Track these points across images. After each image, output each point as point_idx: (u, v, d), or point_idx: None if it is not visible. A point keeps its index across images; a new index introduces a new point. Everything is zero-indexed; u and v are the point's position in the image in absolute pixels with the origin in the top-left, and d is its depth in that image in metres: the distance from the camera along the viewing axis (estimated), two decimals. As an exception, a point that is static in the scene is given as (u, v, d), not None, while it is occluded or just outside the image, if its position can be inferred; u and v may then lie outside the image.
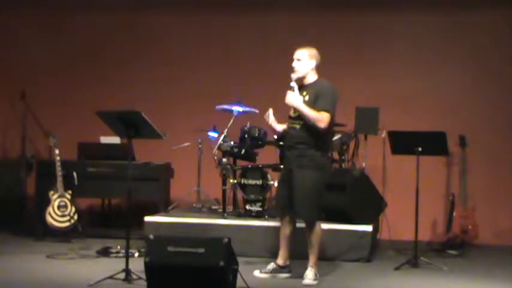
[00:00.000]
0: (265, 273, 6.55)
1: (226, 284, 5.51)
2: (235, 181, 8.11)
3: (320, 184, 6.29)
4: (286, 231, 6.53)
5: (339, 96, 6.35)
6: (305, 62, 6.24)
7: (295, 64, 6.27)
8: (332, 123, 6.32)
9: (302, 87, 6.32)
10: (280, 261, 6.57)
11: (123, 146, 7.79)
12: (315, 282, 6.34)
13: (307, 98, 6.22)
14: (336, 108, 6.28)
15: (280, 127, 6.60)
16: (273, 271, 6.53)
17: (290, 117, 6.36)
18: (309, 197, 6.24)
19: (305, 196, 6.23)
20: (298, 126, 6.25)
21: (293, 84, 6.25)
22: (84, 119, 8.96)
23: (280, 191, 6.49)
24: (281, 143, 8.10)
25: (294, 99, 6.17)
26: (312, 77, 6.31)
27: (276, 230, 7.59)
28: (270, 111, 6.49)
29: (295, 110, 6.25)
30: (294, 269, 6.64)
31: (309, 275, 6.35)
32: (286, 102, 6.24)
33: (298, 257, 7.31)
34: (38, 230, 8.36)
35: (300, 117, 6.22)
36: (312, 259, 6.42)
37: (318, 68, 6.39)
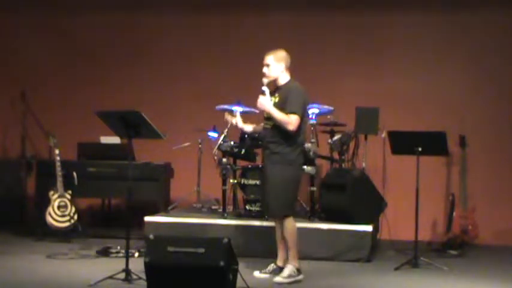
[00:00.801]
0: (264, 274, 6.55)
1: (226, 284, 5.51)
2: (235, 181, 8.11)
3: (290, 180, 6.35)
4: (279, 232, 6.54)
5: (307, 96, 6.47)
6: (273, 66, 6.42)
7: (264, 69, 6.44)
8: (302, 123, 6.38)
9: (276, 89, 6.49)
10: (279, 262, 6.58)
11: (123, 146, 7.80)
12: (287, 280, 6.34)
13: (277, 100, 6.38)
14: (304, 108, 6.41)
15: (248, 127, 6.88)
16: (273, 271, 6.54)
17: (264, 117, 6.52)
18: (278, 193, 6.31)
19: (274, 192, 6.32)
20: (269, 126, 6.41)
21: (264, 88, 6.41)
22: (84, 119, 8.97)
23: (262, 193, 6.56)
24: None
25: (265, 103, 6.35)
26: (284, 79, 6.47)
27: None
28: (238, 113, 6.74)
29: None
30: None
31: (283, 273, 6.39)
32: (257, 106, 6.42)
33: (302, 257, 7.34)
34: (38, 230, 8.36)
35: (271, 118, 6.38)
36: (290, 256, 6.43)
37: (290, 68, 6.52)
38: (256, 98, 8.76)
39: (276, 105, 6.34)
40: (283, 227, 6.41)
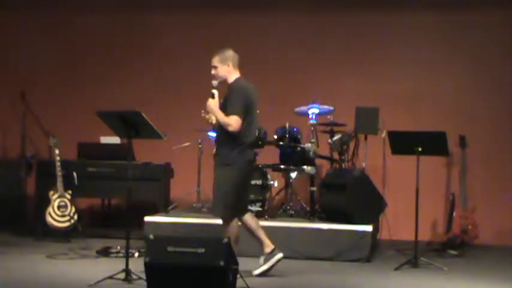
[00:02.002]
0: (260, 268, 6.50)
1: (226, 284, 5.51)
2: (235, 181, 8.11)
3: (230, 182, 6.29)
4: (233, 234, 6.40)
5: (250, 95, 6.40)
6: (220, 67, 6.42)
7: (213, 71, 6.44)
8: (246, 123, 6.32)
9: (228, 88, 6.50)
10: (266, 249, 6.52)
11: (123, 146, 7.79)
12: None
13: (222, 100, 6.39)
14: (246, 107, 6.34)
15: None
16: (265, 260, 6.49)
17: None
18: (218, 194, 6.33)
19: (215, 194, 6.36)
20: (217, 127, 6.48)
21: (214, 91, 6.38)
22: (84, 119, 8.97)
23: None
24: (281, 143, 8.14)
25: (212, 106, 6.33)
26: (233, 78, 6.48)
27: (276, 230, 7.61)
28: (216, 94, 6.51)
29: None
30: (295, 270, 6.63)
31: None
32: (207, 109, 6.40)
33: (303, 257, 7.37)
34: (38, 230, 8.36)
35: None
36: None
37: (238, 66, 6.51)
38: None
39: (220, 106, 6.35)
40: (222, 226, 6.39)
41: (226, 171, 6.30)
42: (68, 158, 8.62)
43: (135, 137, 6.37)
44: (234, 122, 6.23)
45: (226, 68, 6.42)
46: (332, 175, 8.28)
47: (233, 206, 6.36)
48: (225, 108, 6.30)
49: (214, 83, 6.41)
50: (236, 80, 6.46)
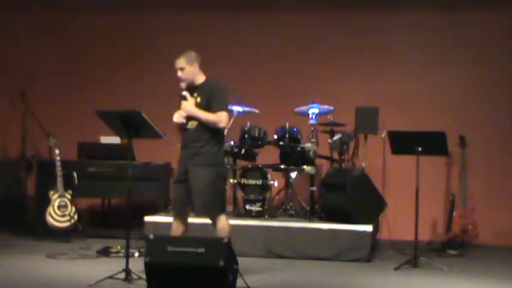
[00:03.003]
0: None
1: (226, 284, 5.51)
2: (235, 181, 8.12)
3: (217, 180, 6.30)
4: (179, 230, 6.41)
5: (229, 91, 6.42)
6: (187, 69, 6.33)
7: (179, 74, 6.35)
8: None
9: (193, 89, 6.37)
10: None
11: (123, 146, 7.79)
12: None
13: (199, 99, 6.30)
14: (228, 104, 6.44)
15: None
16: None
17: (186, 117, 6.34)
18: (207, 194, 6.23)
19: (204, 194, 6.22)
20: (192, 127, 6.30)
21: (184, 93, 6.32)
22: (84, 119, 8.97)
23: (177, 190, 6.41)
24: (281, 143, 8.14)
25: (190, 108, 6.28)
26: (200, 78, 6.40)
27: (276, 230, 7.62)
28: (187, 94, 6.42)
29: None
30: (295, 270, 6.63)
31: None
32: (183, 113, 6.28)
33: (303, 257, 7.37)
34: (38, 230, 8.36)
35: (193, 117, 6.28)
36: None
37: (201, 67, 6.41)
38: (256, 97, 8.87)
39: (199, 105, 6.27)
40: (216, 228, 6.28)
41: (218, 170, 6.28)
42: (68, 158, 8.62)
43: (135, 137, 6.37)
44: (224, 118, 6.24)
45: (194, 69, 6.35)
46: (332, 175, 8.28)
47: (224, 204, 6.42)
48: (207, 107, 6.23)
49: (183, 85, 6.33)
50: (210, 79, 6.40)
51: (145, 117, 6.17)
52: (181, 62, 6.33)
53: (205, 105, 6.25)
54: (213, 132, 6.24)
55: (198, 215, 6.45)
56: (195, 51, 6.38)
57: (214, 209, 6.30)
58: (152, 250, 5.66)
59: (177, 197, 6.44)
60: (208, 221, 7.76)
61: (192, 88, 6.35)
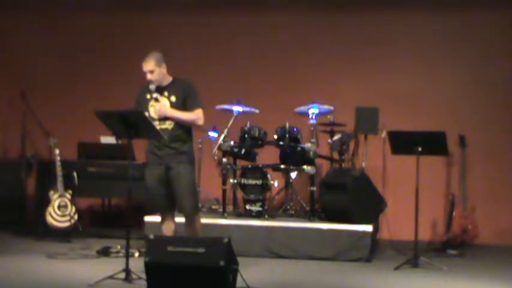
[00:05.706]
0: None
1: (226, 284, 5.51)
2: (235, 181, 8.12)
3: (194, 177, 6.48)
4: (170, 230, 6.41)
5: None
6: (157, 71, 6.33)
7: (149, 76, 6.33)
8: None
9: (161, 89, 6.35)
10: None
11: (123, 146, 7.79)
12: None
13: (173, 99, 6.29)
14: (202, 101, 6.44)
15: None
16: None
17: (153, 119, 6.30)
18: (191, 192, 6.32)
19: (189, 192, 6.29)
20: (169, 127, 6.28)
21: (155, 95, 6.29)
22: (84, 119, 8.96)
23: (157, 191, 6.38)
24: (281, 143, 8.14)
25: (165, 109, 6.26)
26: (168, 78, 6.41)
27: (276, 230, 7.61)
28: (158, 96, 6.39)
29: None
30: (295, 270, 6.63)
31: None
32: (158, 115, 6.25)
33: (303, 257, 7.37)
34: (38, 230, 8.36)
35: (168, 118, 6.27)
36: None
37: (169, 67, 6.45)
38: (256, 97, 8.86)
39: (174, 105, 6.27)
40: (191, 226, 6.32)
41: (192, 169, 6.38)
42: (68, 158, 8.62)
43: (134, 137, 6.37)
44: (202, 115, 6.31)
45: (163, 70, 6.36)
46: (332, 175, 8.28)
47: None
48: (182, 106, 6.24)
49: (152, 87, 6.30)
50: (179, 78, 6.42)
51: (147, 118, 6.17)
52: (150, 65, 6.33)
53: (181, 105, 6.28)
54: (188, 130, 6.34)
55: (181, 212, 6.42)
56: (160, 52, 6.39)
57: (194, 207, 6.37)
58: (152, 250, 5.66)
59: (160, 201, 6.39)
60: (208, 221, 7.80)
61: (159, 88, 6.32)
